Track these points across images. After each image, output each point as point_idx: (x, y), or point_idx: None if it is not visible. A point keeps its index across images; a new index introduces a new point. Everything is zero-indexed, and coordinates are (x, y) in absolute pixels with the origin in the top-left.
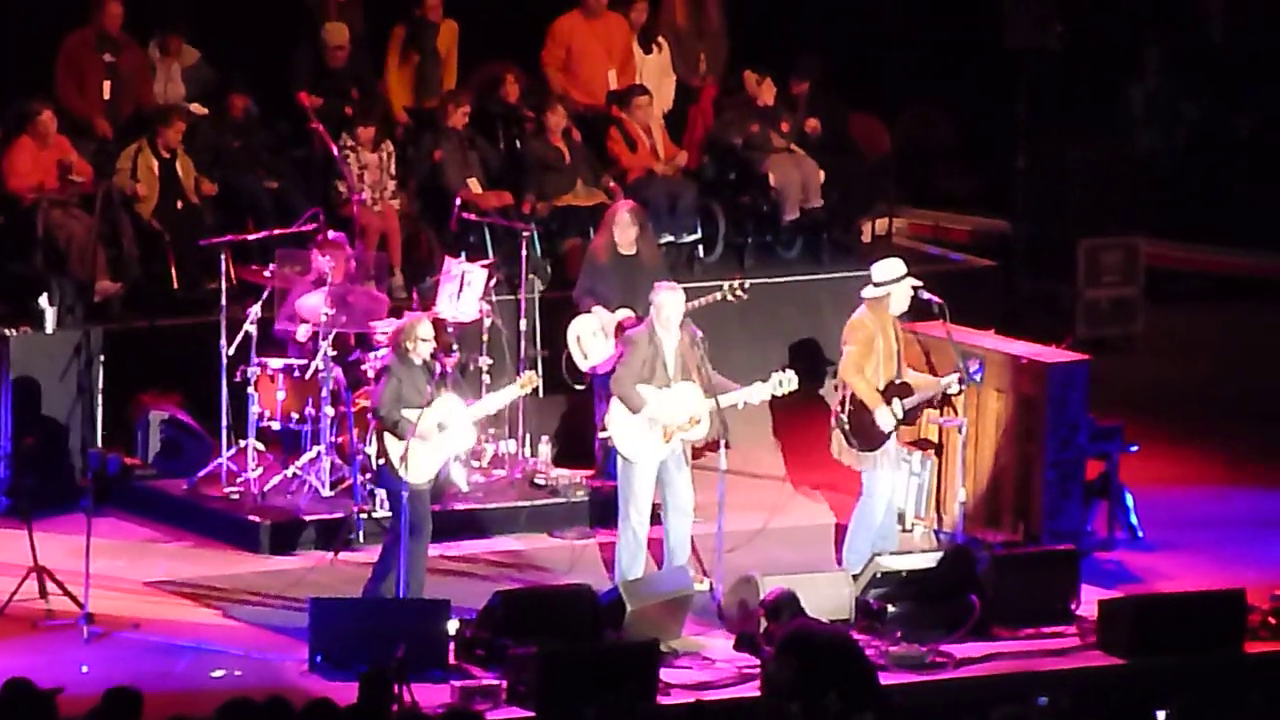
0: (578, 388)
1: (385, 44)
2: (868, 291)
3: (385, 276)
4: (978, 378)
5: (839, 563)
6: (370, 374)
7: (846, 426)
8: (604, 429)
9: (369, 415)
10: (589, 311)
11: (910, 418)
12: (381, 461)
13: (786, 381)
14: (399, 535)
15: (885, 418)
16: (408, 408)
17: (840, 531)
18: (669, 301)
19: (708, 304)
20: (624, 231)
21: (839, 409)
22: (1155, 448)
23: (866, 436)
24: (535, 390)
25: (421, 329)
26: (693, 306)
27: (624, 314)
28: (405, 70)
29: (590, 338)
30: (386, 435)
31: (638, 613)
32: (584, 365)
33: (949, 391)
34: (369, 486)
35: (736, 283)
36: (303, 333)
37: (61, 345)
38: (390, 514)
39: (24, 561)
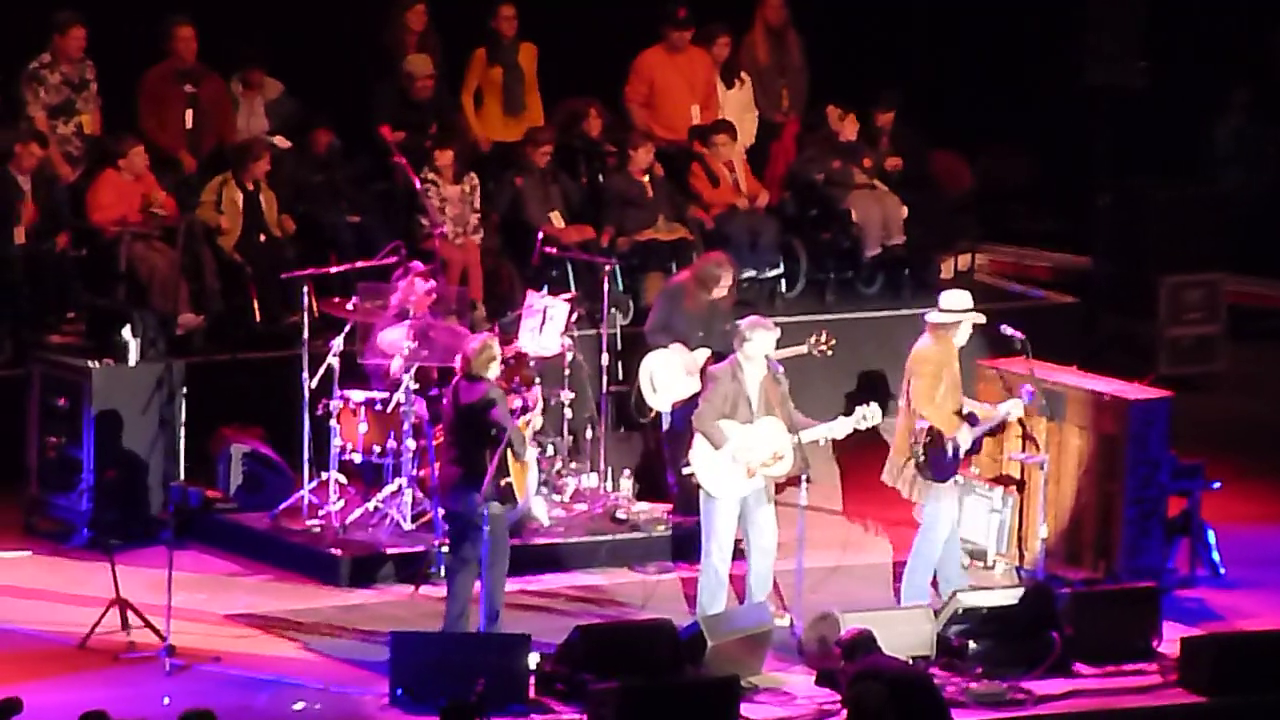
0: (641, 421)
1: (464, 71)
2: (935, 317)
3: (467, 311)
4: (1028, 401)
5: (897, 598)
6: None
7: (922, 458)
8: (686, 464)
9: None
10: (664, 347)
11: (974, 448)
12: (504, 482)
13: (870, 415)
14: (464, 562)
15: (965, 437)
16: None
17: (900, 569)
18: (761, 338)
19: (789, 356)
20: (719, 285)
21: (913, 440)
22: (1237, 485)
23: (940, 467)
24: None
25: (496, 347)
26: (776, 355)
27: (703, 353)
28: (491, 90)
29: (664, 374)
30: (509, 455)
31: (718, 648)
32: (653, 401)
33: (1009, 419)
34: None
35: (823, 338)
36: (396, 365)
37: (144, 378)
38: (468, 542)
39: (106, 594)
